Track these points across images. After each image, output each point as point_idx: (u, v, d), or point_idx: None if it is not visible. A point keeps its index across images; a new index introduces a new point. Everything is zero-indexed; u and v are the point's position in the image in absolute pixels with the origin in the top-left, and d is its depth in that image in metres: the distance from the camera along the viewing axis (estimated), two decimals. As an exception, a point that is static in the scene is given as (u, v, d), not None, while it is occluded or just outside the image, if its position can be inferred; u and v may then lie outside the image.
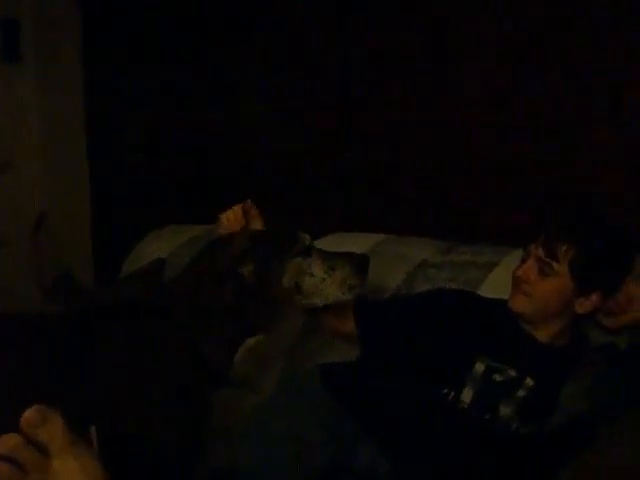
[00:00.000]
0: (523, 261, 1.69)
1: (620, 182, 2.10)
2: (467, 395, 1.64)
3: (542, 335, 1.70)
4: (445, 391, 1.66)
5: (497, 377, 1.65)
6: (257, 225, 1.81)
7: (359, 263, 1.55)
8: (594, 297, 1.65)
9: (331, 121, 2.71)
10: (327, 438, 1.54)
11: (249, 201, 1.82)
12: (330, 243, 2.39)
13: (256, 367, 2.14)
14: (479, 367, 1.67)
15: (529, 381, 1.63)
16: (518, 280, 1.68)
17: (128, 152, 3.37)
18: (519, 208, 2.29)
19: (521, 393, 1.62)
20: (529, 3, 2.24)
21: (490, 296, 1.87)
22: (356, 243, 2.32)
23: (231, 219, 1.78)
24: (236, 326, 1.56)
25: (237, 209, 1.79)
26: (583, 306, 1.66)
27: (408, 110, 2.52)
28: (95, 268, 3.41)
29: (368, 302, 1.87)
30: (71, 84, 3.44)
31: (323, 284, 1.51)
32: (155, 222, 2.94)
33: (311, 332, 2.11)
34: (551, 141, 2.23)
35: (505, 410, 1.61)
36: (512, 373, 1.65)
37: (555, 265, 1.61)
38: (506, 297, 1.73)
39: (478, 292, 1.95)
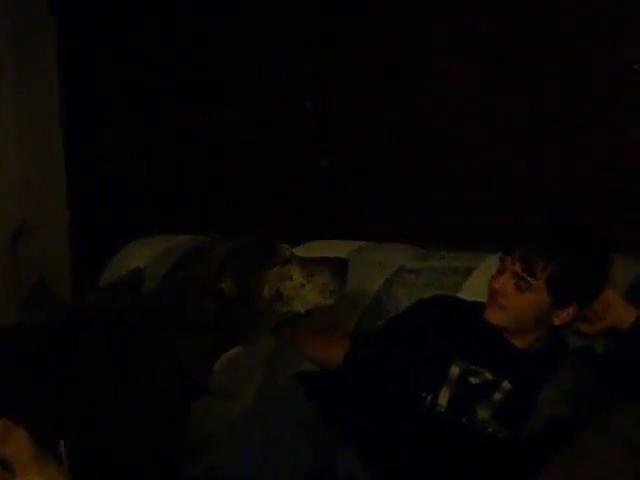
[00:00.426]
0: (500, 272, 1.69)
1: (606, 182, 2.11)
2: (443, 398, 1.65)
3: (519, 342, 1.71)
4: (423, 395, 1.66)
5: (473, 380, 1.65)
6: None
7: (338, 268, 1.56)
8: (571, 309, 1.66)
9: (309, 126, 2.71)
10: (307, 446, 1.54)
11: None
12: (309, 250, 2.39)
13: (236, 377, 2.13)
14: (454, 370, 1.67)
15: (506, 384, 1.63)
16: (495, 293, 1.68)
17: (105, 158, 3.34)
18: (502, 209, 2.29)
19: (498, 396, 1.62)
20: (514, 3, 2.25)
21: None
22: (335, 250, 2.32)
23: None
24: (216, 338, 1.56)
25: None
26: (560, 318, 1.67)
27: (389, 112, 2.52)
28: (73, 278, 3.38)
29: (364, 332, 1.93)
30: (47, 86, 3.40)
31: (303, 290, 1.53)
32: (133, 231, 2.92)
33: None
34: (536, 142, 2.23)
35: (482, 413, 1.61)
36: (488, 376, 1.65)
37: (532, 281, 1.62)
38: (484, 300, 1.73)
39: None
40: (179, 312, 1.57)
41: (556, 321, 1.66)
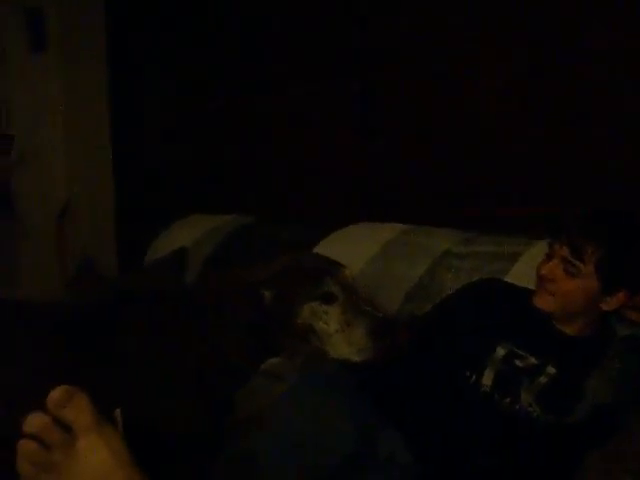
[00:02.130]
0: (548, 257, 1.67)
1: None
2: (488, 378, 1.64)
3: (567, 328, 1.69)
4: (467, 374, 1.66)
5: (518, 362, 1.64)
6: None
7: (378, 326, 1.47)
8: (620, 295, 1.63)
9: (349, 112, 2.70)
10: (350, 427, 1.54)
11: None
12: (352, 233, 2.41)
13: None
14: (499, 351, 1.66)
15: (550, 369, 1.62)
16: (543, 279, 1.66)
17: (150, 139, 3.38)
18: (537, 201, 2.26)
19: (542, 380, 1.61)
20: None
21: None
22: (378, 233, 2.33)
23: None
24: (257, 340, 1.56)
25: None
26: (609, 304, 1.64)
27: (425, 99, 2.50)
28: (119, 256, 3.43)
29: (418, 323, 1.91)
30: (95, 74, 3.45)
31: (335, 337, 1.48)
32: (178, 210, 2.95)
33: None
34: (566, 133, 2.20)
35: (526, 396, 1.60)
36: (533, 360, 1.64)
37: (581, 266, 1.60)
38: (532, 287, 1.72)
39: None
40: (221, 308, 1.59)
41: (605, 307, 1.64)
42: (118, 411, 0.84)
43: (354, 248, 2.32)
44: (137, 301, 1.76)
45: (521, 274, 1.92)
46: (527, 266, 1.91)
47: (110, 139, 3.49)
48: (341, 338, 1.46)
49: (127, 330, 1.64)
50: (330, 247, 2.38)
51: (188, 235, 2.76)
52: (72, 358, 1.48)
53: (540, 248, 1.89)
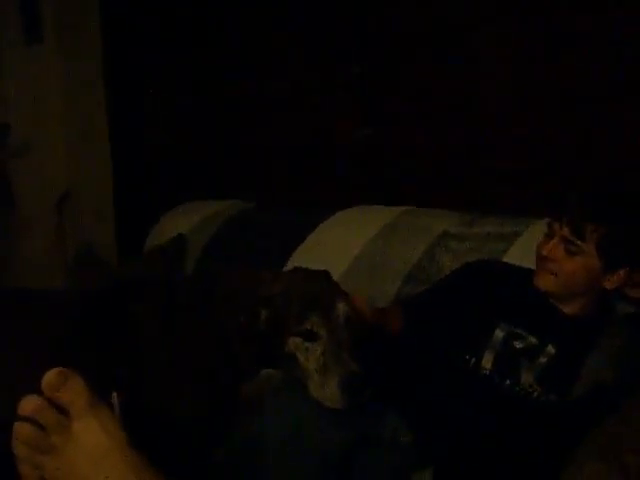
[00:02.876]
0: (548, 237, 1.67)
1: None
2: (487, 361, 1.64)
3: (567, 308, 1.69)
4: (466, 357, 1.66)
5: (517, 344, 1.64)
6: None
7: (351, 381, 1.40)
8: (621, 272, 1.63)
9: (349, 95, 2.69)
10: (352, 410, 1.54)
11: None
12: (350, 216, 2.40)
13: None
14: (499, 333, 1.67)
15: (550, 349, 1.62)
16: (544, 259, 1.66)
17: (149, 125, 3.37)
18: (550, 181, 2.25)
19: (542, 360, 1.61)
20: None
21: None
22: (376, 216, 2.33)
23: None
24: (251, 352, 1.56)
25: None
26: (610, 282, 1.64)
27: (426, 85, 2.49)
28: (118, 244, 3.43)
29: (414, 302, 1.90)
30: (92, 64, 3.43)
31: (314, 376, 1.45)
32: (176, 198, 2.95)
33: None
34: (569, 115, 2.19)
35: (526, 377, 1.60)
36: (533, 340, 1.64)
37: (582, 245, 1.59)
38: (531, 266, 1.71)
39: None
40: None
41: (607, 285, 1.64)
42: (115, 394, 0.84)
43: (353, 231, 2.32)
44: (137, 288, 1.76)
45: (520, 254, 1.92)
46: (526, 246, 1.91)
47: (108, 127, 3.47)
48: (317, 379, 1.43)
49: (127, 317, 1.64)
50: (329, 230, 2.39)
51: (187, 222, 2.76)
52: (71, 344, 1.48)
53: (538, 228, 1.89)
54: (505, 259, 1.96)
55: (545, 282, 1.67)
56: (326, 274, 1.65)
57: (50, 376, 0.73)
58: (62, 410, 0.74)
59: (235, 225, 2.61)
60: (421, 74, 2.50)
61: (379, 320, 1.75)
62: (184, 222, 2.75)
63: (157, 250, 2.71)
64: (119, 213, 3.43)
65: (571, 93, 2.17)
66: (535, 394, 1.58)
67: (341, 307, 1.50)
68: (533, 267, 1.73)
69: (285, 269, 2.36)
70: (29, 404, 0.73)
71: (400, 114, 2.57)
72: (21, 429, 0.73)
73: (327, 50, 2.74)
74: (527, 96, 2.26)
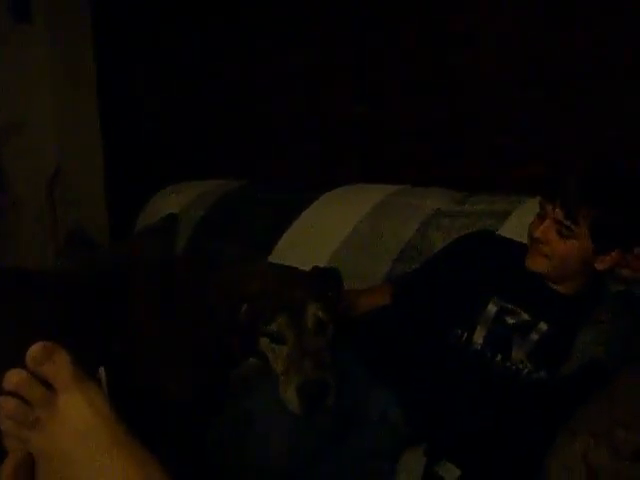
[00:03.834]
0: (540, 218, 1.66)
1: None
2: (479, 335, 1.64)
3: (560, 288, 1.69)
4: (458, 332, 1.66)
5: (509, 319, 1.64)
6: None
7: (308, 388, 1.39)
8: (614, 254, 1.62)
9: (346, 74, 2.67)
10: (341, 389, 1.54)
11: None
12: (343, 195, 2.40)
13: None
14: (491, 308, 1.66)
15: (542, 325, 1.62)
16: (536, 241, 1.65)
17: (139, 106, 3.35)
18: (535, 160, 2.25)
19: (534, 337, 1.61)
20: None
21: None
22: (368, 194, 2.32)
23: None
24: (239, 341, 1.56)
25: None
26: (602, 263, 1.63)
27: (421, 61, 2.47)
28: (109, 224, 3.42)
29: (402, 278, 1.90)
30: (82, 43, 3.41)
31: (280, 377, 1.45)
32: (167, 177, 2.93)
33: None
34: (565, 93, 2.17)
35: (517, 353, 1.60)
36: (525, 316, 1.64)
37: (575, 228, 1.59)
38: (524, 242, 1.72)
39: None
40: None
41: (599, 266, 1.63)
42: (102, 369, 0.83)
43: (345, 210, 2.32)
44: (127, 268, 1.76)
45: (511, 231, 1.92)
46: (517, 224, 1.91)
47: (98, 106, 3.46)
48: (282, 381, 1.43)
49: (117, 297, 1.64)
50: (321, 209, 2.38)
51: (178, 201, 2.74)
52: (59, 322, 1.47)
53: (530, 206, 1.89)
54: (497, 237, 1.95)
55: (537, 264, 1.66)
56: (309, 275, 1.63)
57: (34, 350, 0.72)
58: (47, 385, 0.73)
59: (226, 204, 2.60)
60: (415, 51, 2.48)
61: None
62: (175, 201, 2.73)
63: (148, 230, 2.70)
64: (110, 193, 3.42)
65: (567, 71, 2.16)
66: (526, 370, 1.59)
67: (311, 312, 1.48)
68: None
69: (276, 248, 2.36)
70: (13, 378, 0.72)
71: (395, 92, 2.56)
72: (5, 403, 0.72)
73: (322, 28, 2.72)
74: (524, 74, 2.25)
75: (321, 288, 1.58)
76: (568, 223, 1.59)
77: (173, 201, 2.74)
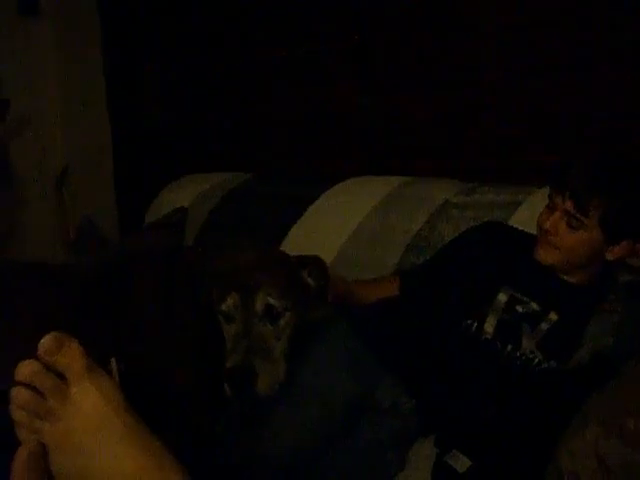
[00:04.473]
0: (549, 209, 1.65)
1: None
2: (490, 325, 1.64)
3: (569, 278, 1.69)
4: (468, 322, 1.66)
5: (519, 309, 1.64)
6: None
7: (231, 375, 1.38)
8: (624, 244, 1.62)
9: (349, 66, 2.67)
10: (350, 378, 1.54)
11: None
12: (351, 187, 2.39)
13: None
14: (502, 297, 1.66)
15: (553, 315, 1.62)
16: (545, 233, 1.65)
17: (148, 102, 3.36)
18: (550, 149, 2.24)
19: (544, 326, 1.61)
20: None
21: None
22: (377, 186, 2.32)
23: None
24: None
25: None
26: (612, 253, 1.63)
27: (426, 52, 2.46)
28: (119, 218, 3.43)
29: (410, 270, 1.90)
30: (90, 36, 3.41)
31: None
32: (176, 171, 2.93)
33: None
34: (571, 82, 2.16)
35: (527, 343, 1.60)
36: (535, 306, 1.64)
37: (584, 219, 1.58)
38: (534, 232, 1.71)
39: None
40: None
41: (609, 256, 1.63)
42: (113, 360, 0.83)
43: (353, 201, 2.31)
44: (137, 261, 1.77)
45: (521, 222, 1.92)
46: (527, 215, 1.91)
47: (107, 99, 3.46)
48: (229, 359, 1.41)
49: (127, 289, 1.65)
50: (330, 201, 2.38)
51: (188, 194, 2.75)
52: (71, 314, 1.48)
53: (539, 196, 1.88)
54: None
55: (547, 256, 1.66)
56: (282, 261, 1.60)
57: (46, 341, 0.73)
58: (59, 375, 0.74)
59: (236, 197, 2.61)
60: (420, 41, 2.47)
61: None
62: (185, 195, 2.74)
63: (158, 223, 2.71)
64: (119, 187, 3.42)
65: (572, 59, 2.15)
66: (536, 360, 1.59)
67: (261, 296, 1.45)
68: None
69: (285, 241, 2.36)
70: (26, 368, 0.73)
71: (399, 82, 2.55)
72: (18, 394, 0.73)
73: (326, 18, 2.72)
74: (528, 63, 2.24)
75: (291, 276, 1.54)
76: (578, 215, 1.59)
77: (182, 194, 2.74)
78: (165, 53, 3.29)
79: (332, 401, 1.45)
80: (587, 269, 1.67)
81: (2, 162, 3.21)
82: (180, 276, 1.69)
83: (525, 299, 1.65)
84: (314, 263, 1.61)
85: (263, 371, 1.38)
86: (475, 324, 1.65)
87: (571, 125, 2.18)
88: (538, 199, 1.88)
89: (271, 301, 1.45)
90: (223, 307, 1.46)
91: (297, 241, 2.33)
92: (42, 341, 0.73)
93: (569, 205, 1.60)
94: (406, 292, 1.85)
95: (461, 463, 1.43)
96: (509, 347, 1.61)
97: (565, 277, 1.68)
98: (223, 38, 3.04)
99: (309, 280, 1.58)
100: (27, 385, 0.73)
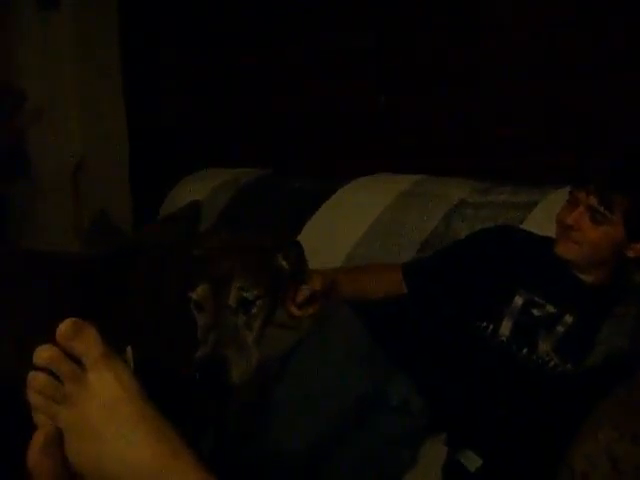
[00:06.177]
0: (570, 205, 1.64)
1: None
2: (505, 328, 1.63)
3: (587, 276, 1.67)
4: (484, 324, 1.65)
5: (535, 312, 1.63)
6: None
7: (198, 366, 1.35)
8: None
9: (367, 64, 2.66)
10: (362, 374, 1.54)
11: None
12: (367, 184, 2.39)
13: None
14: (518, 300, 1.65)
15: (568, 318, 1.61)
16: (568, 228, 1.63)
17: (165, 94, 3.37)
18: (567, 150, 2.23)
19: (560, 329, 1.60)
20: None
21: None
22: (392, 184, 2.32)
23: None
24: None
25: None
26: (634, 250, 1.62)
27: (441, 53, 2.46)
28: (134, 210, 3.44)
29: (415, 265, 1.87)
30: (107, 29, 3.42)
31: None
32: (191, 165, 2.94)
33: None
34: (587, 82, 2.15)
35: (543, 346, 1.59)
36: (551, 309, 1.63)
37: (609, 214, 1.57)
38: (548, 235, 1.70)
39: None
40: None
41: (630, 253, 1.62)
42: (129, 348, 0.84)
43: (369, 199, 2.32)
44: (150, 253, 1.77)
45: (536, 223, 1.91)
46: (543, 215, 1.90)
47: (124, 92, 3.47)
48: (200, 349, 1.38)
49: (139, 280, 1.65)
50: (345, 198, 2.38)
51: (203, 188, 2.75)
52: (85, 301, 1.49)
53: (555, 197, 1.88)
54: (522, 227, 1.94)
55: (568, 251, 1.64)
56: (257, 247, 1.54)
57: (65, 326, 0.73)
58: (76, 360, 0.74)
59: (251, 192, 2.61)
60: (437, 41, 2.47)
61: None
62: (200, 189, 2.74)
63: (172, 216, 2.71)
64: (135, 180, 3.43)
65: (588, 59, 2.14)
66: (552, 363, 1.58)
67: (234, 287, 1.40)
68: (551, 236, 1.71)
69: (299, 237, 2.36)
70: (44, 353, 0.73)
71: (416, 81, 2.55)
72: (36, 378, 0.73)
73: (343, 17, 2.71)
74: (543, 62, 2.23)
75: (263, 260, 1.49)
76: (602, 209, 1.57)
77: (198, 188, 2.75)
78: (183, 46, 3.30)
79: (344, 397, 1.45)
80: (604, 267, 1.66)
81: (19, 152, 3.23)
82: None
83: (541, 302, 1.64)
84: (290, 246, 1.56)
85: (235, 361, 1.35)
86: (491, 326, 1.64)
87: (589, 126, 2.17)
88: (554, 200, 1.88)
89: (244, 294, 1.41)
90: (194, 296, 1.42)
91: (311, 237, 2.32)
92: (60, 326, 0.73)
93: (593, 200, 1.58)
94: (414, 288, 1.83)
95: (472, 462, 1.43)
96: (525, 350, 1.60)
97: (582, 276, 1.67)
98: (241, 32, 3.04)
99: (284, 263, 1.52)
100: (44, 369, 0.73)
